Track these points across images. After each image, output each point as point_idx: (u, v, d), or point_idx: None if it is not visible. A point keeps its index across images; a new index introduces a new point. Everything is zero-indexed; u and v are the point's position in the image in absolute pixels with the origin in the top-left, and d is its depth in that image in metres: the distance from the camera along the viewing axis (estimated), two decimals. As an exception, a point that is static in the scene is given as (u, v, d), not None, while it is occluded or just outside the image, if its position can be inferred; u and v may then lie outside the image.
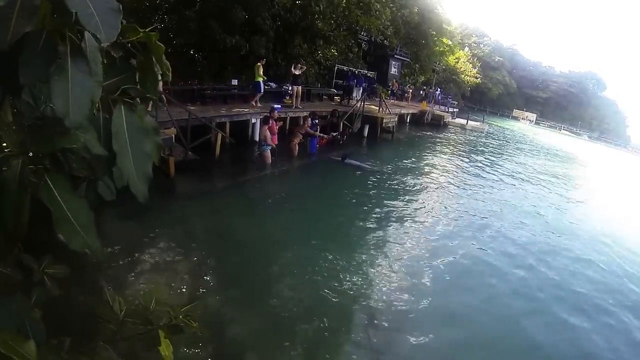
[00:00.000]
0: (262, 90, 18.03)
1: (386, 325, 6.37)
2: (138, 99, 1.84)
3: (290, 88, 19.72)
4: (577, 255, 10.91)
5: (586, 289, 9.10)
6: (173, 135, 11.41)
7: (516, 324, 7.11)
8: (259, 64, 17.79)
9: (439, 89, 48.06)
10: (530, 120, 79.22)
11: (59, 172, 1.58)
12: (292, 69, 18.98)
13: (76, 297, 2.36)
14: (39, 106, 1.67)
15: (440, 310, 7.07)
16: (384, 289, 7.36)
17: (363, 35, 32.01)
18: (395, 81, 34.08)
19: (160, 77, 1.95)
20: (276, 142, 13.53)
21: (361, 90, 25.97)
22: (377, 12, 27.48)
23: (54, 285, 2.31)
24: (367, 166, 15.69)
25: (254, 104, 17.46)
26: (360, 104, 21.67)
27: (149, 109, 1.97)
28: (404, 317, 6.64)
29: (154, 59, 1.87)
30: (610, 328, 7.66)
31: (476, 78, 73.29)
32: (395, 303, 6.95)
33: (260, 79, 17.75)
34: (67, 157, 1.58)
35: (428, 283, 7.83)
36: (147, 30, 1.84)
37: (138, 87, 1.95)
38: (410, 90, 38.86)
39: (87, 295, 2.48)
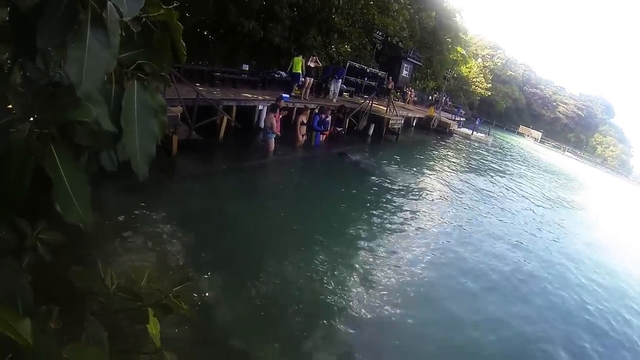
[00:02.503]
0: (299, 82, 19.12)
1: (371, 316, 6.45)
2: (151, 76, 1.82)
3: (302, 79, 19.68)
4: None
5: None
6: (179, 114, 11.37)
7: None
8: (299, 57, 18.90)
9: (447, 96, 47.92)
10: (535, 138, 79.05)
11: (64, 142, 1.57)
12: (308, 61, 19.07)
13: (68, 266, 2.34)
14: (49, 72, 1.63)
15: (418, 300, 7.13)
16: (371, 282, 7.45)
17: (378, 34, 31.86)
18: (391, 79, 33.14)
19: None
20: (279, 131, 13.47)
21: (339, 84, 23.04)
22: (395, 13, 27.40)
23: (46, 251, 2.31)
24: (367, 164, 15.76)
25: (293, 94, 18.85)
26: (369, 103, 21.58)
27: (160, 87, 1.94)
28: (390, 309, 6.72)
29: (172, 38, 1.86)
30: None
31: (486, 90, 73.26)
32: (381, 295, 7.04)
33: (300, 72, 18.80)
34: (75, 127, 1.56)
35: (410, 281, 7.93)
36: (169, 7, 1.83)
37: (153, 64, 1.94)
38: (411, 92, 38.52)
39: (79, 265, 2.45)
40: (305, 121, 15.44)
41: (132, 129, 1.59)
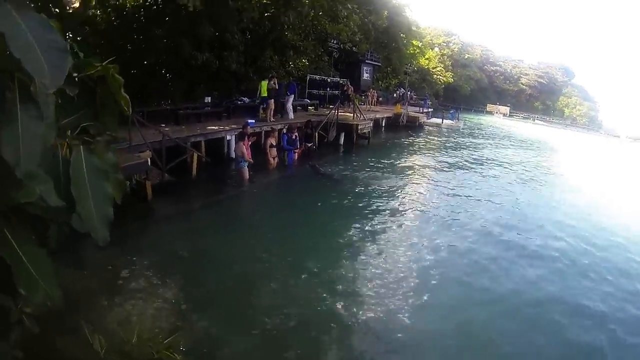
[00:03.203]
0: (267, 104, 19.09)
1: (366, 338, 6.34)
2: (99, 137, 1.80)
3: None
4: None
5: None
6: (149, 159, 11.25)
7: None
8: (265, 80, 19.02)
9: (411, 91, 48.36)
10: (503, 114, 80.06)
11: (20, 220, 1.53)
12: (269, 82, 19.07)
13: (57, 336, 2.28)
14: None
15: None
16: (360, 303, 7.22)
17: (333, 43, 32.08)
18: (350, 84, 32.96)
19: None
20: (251, 158, 13.41)
21: (291, 100, 21.74)
22: (345, 19, 27.55)
23: (33, 323, 2.24)
24: (341, 174, 15.90)
25: (259, 117, 18.97)
26: (334, 112, 21.60)
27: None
28: (386, 330, 6.59)
29: (112, 92, 1.83)
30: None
31: (448, 77, 74.26)
32: (375, 317, 6.87)
33: (266, 94, 18.95)
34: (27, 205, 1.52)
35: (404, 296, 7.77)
36: (105, 63, 1.80)
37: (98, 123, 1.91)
38: (373, 94, 38.70)
39: (67, 333, 2.40)
40: (274, 143, 15.45)
41: (85, 195, 1.55)
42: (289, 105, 21.57)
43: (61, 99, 1.56)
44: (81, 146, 1.62)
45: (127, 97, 1.87)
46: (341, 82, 32.16)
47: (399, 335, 6.33)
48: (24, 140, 1.29)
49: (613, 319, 7.58)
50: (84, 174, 1.57)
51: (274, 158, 15.38)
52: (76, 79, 1.64)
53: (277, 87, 19.40)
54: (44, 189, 1.40)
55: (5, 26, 1.18)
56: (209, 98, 19.47)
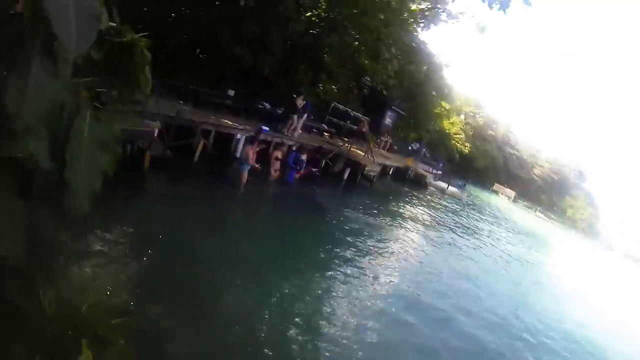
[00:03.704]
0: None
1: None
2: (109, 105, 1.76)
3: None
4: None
5: None
6: (156, 130, 11.18)
7: None
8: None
9: (424, 149, 48.54)
10: (508, 197, 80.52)
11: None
12: (297, 99, 19.24)
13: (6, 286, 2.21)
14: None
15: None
16: (314, 333, 7.19)
17: (366, 79, 32.28)
18: (366, 122, 32.99)
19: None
20: (255, 164, 13.41)
21: (304, 118, 19.86)
22: (384, 61, 27.79)
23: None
24: (337, 207, 15.87)
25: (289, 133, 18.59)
26: (348, 146, 21.59)
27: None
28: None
29: (136, 67, 1.79)
30: None
31: (467, 147, 74.72)
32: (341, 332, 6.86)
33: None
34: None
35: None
36: (140, 35, 1.77)
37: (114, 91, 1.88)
38: (387, 139, 38.79)
39: (20, 286, 2.32)
40: (280, 157, 15.44)
41: (77, 162, 1.50)
42: (298, 124, 19.69)
43: (82, 59, 1.52)
44: (88, 112, 1.57)
45: (150, 77, 1.84)
46: (362, 118, 32.27)
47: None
48: (31, 93, 1.24)
49: None
50: (83, 140, 1.52)
51: (275, 171, 15.34)
52: (104, 42, 1.60)
53: (300, 105, 19.34)
54: (38, 146, 1.35)
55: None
56: (233, 92, 19.43)
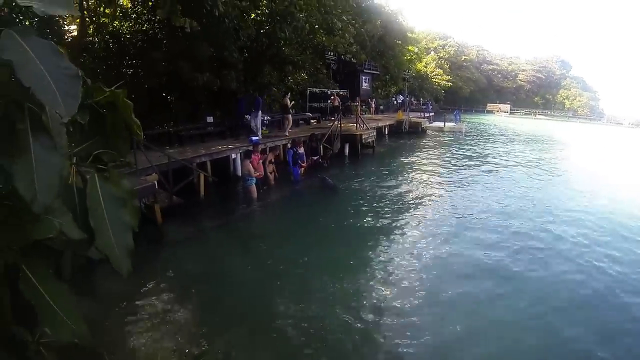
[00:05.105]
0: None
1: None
2: (111, 164, 1.74)
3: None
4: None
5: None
6: (155, 182, 11.17)
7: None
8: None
9: (410, 97, 48.52)
10: (505, 112, 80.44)
11: (35, 256, 1.47)
12: (284, 99, 20.55)
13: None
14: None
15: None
16: (384, 317, 7.08)
17: (330, 55, 32.17)
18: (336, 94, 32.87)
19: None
20: (262, 174, 13.45)
21: (259, 117, 18.84)
22: (340, 31, 27.66)
23: (51, 356, 2.17)
24: (347, 184, 15.91)
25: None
26: (337, 124, 21.59)
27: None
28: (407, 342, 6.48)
29: (123, 118, 1.78)
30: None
31: (447, 80, 74.57)
32: (391, 328, 6.76)
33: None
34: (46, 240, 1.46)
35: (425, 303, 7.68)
36: (113, 88, 1.75)
37: (109, 150, 1.85)
38: (372, 103, 39.45)
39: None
40: (272, 159, 15.46)
41: (104, 226, 1.49)
42: (255, 124, 18.85)
43: (72, 127, 1.50)
44: (95, 175, 1.55)
45: (138, 121, 1.82)
46: (342, 93, 32.20)
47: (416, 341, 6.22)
48: (38, 172, 1.23)
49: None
50: (101, 203, 1.50)
51: (271, 173, 15.35)
52: (86, 105, 1.58)
53: (287, 104, 20.42)
54: (64, 222, 1.34)
55: (13, 54, 1.12)
56: (211, 118, 19.42)
